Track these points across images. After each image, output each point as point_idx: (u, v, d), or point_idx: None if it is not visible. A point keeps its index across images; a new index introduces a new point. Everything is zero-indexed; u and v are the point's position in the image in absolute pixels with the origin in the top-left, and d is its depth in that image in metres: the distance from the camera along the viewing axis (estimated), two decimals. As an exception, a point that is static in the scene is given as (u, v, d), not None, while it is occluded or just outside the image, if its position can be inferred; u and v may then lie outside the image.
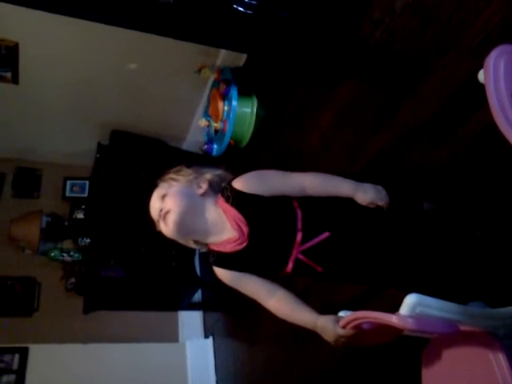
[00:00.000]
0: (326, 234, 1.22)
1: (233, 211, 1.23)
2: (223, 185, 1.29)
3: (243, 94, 3.04)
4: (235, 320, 3.33)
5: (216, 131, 3.15)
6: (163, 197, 1.28)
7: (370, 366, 1.95)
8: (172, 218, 1.25)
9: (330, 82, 2.38)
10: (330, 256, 1.24)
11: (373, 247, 1.26)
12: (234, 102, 2.95)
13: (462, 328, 1.09)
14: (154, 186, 1.34)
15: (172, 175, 1.33)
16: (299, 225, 1.22)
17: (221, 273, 1.30)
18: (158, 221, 1.29)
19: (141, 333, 3.53)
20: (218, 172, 1.34)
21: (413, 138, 1.81)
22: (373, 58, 2.08)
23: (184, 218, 1.25)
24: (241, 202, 1.23)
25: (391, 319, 0.98)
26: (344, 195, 1.25)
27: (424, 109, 1.77)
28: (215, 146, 3.19)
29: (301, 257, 1.23)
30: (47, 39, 2.99)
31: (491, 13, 1.55)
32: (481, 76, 0.87)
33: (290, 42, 2.52)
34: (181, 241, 1.33)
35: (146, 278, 3.36)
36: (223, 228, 1.26)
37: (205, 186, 1.29)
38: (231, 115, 2.95)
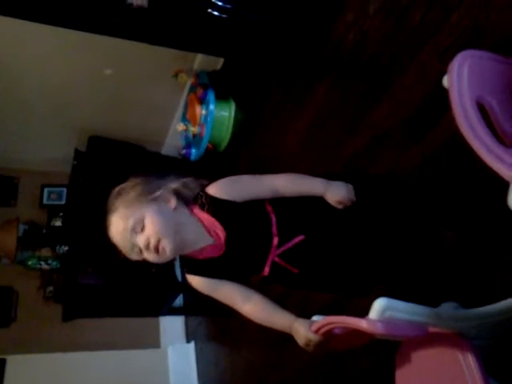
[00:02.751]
0: (301, 238, 1.23)
1: (209, 219, 1.22)
2: (196, 192, 1.26)
3: (221, 97, 3.03)
4: (216, 324, 3.32)
5: (194, 135, 3.14)
6: (137, 224, 1.18)
7: (348, 369, 1.95)
8: (168, 246, 1.18)
9: (305, 85, 2.40)
10: (305, 258, 1.25)
11: (345, 247, 1.27)
12: (212, 106, 2.94)
13: (433, 330, 1.10)
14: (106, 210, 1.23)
15: (133, 195, 1.21)
16: (274, 229, 1.22)
17: (195, 280, 1.28)
18: (140, 251, 1.19)
19: (122, 339, 3.50)
20: (182, 181, 1.27)
21: (387, 139, 1.83)
22: (347, 60, 2.09)
23: (176, 240, 1.20)
24: (217, 208, 1.21)
25: (360, 324, 0.99)
26: (315, 194, 1.25)
27: (398, 111, 1.79)
28: (193, 151, 3.18)
29: (277, 260, 1.24)
30: (22, 44, 2.94)
31: (460, 16, 1.57)
32: (445, 81, 0.88)
33: (265, 45, 2.52)
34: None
35: (126, 285, 3.33)
36: (201, 237, 1.24)
37: (173, 199, 1.23)
38: (208, 119, 2.94)
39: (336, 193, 1.24)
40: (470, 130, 0.73)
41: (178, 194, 1.25)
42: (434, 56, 1.63)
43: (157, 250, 1.18)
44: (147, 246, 1.17)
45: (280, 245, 1.22)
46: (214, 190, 1.23)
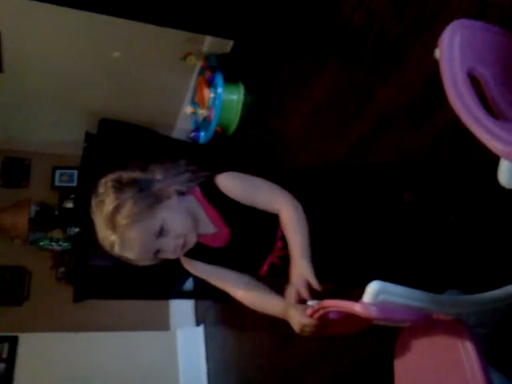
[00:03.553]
0: None
1: (214, 212, 1.19)
2: (196, 183, 1.20)
3: (230, 80, 3.00)
4: (225, 309, 3.33)
5: (203, 118, 3.12)
6: (160, 230, 1.12)
7: (353, 353, 1.94)
8: (193, 238, 1.17)
9: (312, 67, 2.35)
10: None
11: (350, 252, 1.25)
12: (220, 89, 2.91)
13: (430, 316, 1.07)
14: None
15: (135, 206, 1.11)
16: (279, 232, 1.20)
17: (189, 263, 1.26)
18: (156, 254, 1.15)
19: (132, 321, 3.53)
20: (177, 181, 1.19)
21: (392, 121, 1.78)
22: (353, 40, 2.04)
23: (197, 229, 1.18)
24: (224, 205, 1.18)
25: (354, 307, 0.96)
26: (291, 252, 1.16)
27: (404, 92, 1.74)
28: (202, 134, 3.16)
29: (276, 261, 1.22)
30: (31, 27, 2.94)
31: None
32: (437, 53, 0.84)
33: (273, 28, 2.47)
34: None
35: (136, 267, 3.34)
36: (204, 223, 1.20)
37: (174, 196, 1.17)
38: (217, 102, 2.91)
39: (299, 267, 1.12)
40: (460, 102, 0.69)
41: (177, 191, 1.18)
42: (440, 35, 1.57)
43: (183, 247, 1.15)
44: (176, 247, 1.14)
45: (283, 248, 1.20)
46: (225, 185, 1.18)
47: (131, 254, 1.15)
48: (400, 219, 1.31)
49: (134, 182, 1.14)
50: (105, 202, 1.13)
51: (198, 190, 1.20)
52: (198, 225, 1.19)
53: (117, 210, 1.10)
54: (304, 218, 1.18)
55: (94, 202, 1.16)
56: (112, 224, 1.11)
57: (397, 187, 1.36)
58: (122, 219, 1.10)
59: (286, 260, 1.20)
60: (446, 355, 1.08)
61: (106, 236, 1.14)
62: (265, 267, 1.23)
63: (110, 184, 1.14)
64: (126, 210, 1.10)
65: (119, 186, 1.13)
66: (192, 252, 1.23)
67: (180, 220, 1.14)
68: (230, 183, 1.19)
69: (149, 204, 1.12)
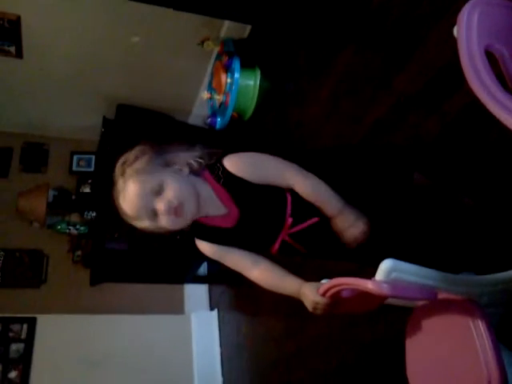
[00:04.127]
0: (315, 220, 1.21)
1: (223, 192, 1.21)
2: (207, 163, 1.23)
3: (247, 66, 3.00)
4: (239, 293, 3.36)
5: (219, 104, 3.13)
6: (157, 187, 1.17)
7: (364, 336, 1.95)
8: (190, 209, 1.18)
9: (329, 52, 2.35)
10: (316, 240, 1.24)
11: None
12: (237, 75, 2.91)
13: (443, 295, 1.07)
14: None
15: (146, 162, 1.19)
16: (288, 209, 1.21)
17: (204, 245, 1.27)
18: (153, 216, 1.18)
19: (147, 305, 3.58)
20: (193, 153, 1.24)
21: (409, 105, 1.77)
22: (371, 24, 2.03)
23: (196, 203, 1.20)
24: (231, 184, 1.20)
25: (366, 285, 0.97)
26: (327, 211, 1.19)
27: (422, 74, 1.73)
28: (219, 119, 3.17)
29: (287, 239, 1.23)
30: (49, 12, 2.98)
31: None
32: (455, 31, 0.84)
33: (290, 12, 2.46)
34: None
35: (151, 252, 3.38)
36: (214, 205, 1.22)
37: (186, 169, 1.22)
38: (233, 87, 2.91)
39: (343, 223, 1.17)
40: (477, 78, 0.69)
41: (189, 165, 1.22)
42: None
43: (176, 213, 1.16)
44: (168, 210, 1.16)
45: (293, 225, 1.21)
46: (232, 165, 1.20)
47: (127, 205, 1.19)
48: (408, 200, 1.31)
49: (157, 148, 1.23)
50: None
51: (207, 172, 1.23)
52: (207, 206, 1.21)
53: (130, 161, 1.20)
54: (317, 179, 1.20)
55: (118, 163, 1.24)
56: (120, 172, 1.21)
57: (405, 168, 1.36)
58: (130, 169, 1.19)
59: (297, 237, 1.22)
60: (458, 334, 1.08)
61: (118, 182, 1.22)
62: (276, 245, 1.24)
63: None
64: (139, 162, 1.19)
65: (148, 147, 1.23)
66: (204, 234, 1.25)
67: (179, 187, 1.18)
68: (238, 162, 1.21)
69: (159, 163, 1.20)
